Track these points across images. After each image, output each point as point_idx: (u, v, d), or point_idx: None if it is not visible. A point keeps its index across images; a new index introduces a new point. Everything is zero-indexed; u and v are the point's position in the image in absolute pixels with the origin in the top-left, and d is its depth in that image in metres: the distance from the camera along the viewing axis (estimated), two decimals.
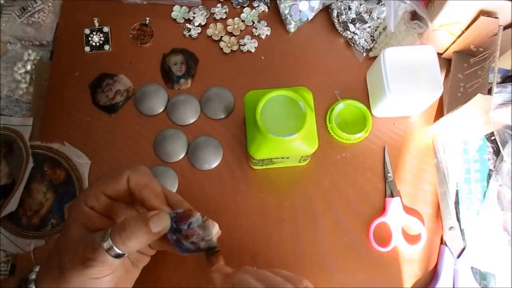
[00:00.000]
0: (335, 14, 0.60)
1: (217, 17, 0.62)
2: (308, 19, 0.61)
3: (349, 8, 0.60)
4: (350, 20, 0.60)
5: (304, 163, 0.56)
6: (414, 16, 0.59)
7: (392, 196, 0.55)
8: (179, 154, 0.57)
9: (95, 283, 0.36)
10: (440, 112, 0.59)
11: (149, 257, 0.44)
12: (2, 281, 0.44)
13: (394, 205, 0.54)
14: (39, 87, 0.60)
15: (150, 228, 0.35)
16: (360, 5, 0.59)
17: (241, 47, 0.61)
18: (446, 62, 0.60)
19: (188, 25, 0.62)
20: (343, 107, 0.58)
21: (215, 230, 0.38)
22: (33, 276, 0.38)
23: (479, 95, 0.48)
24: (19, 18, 0.62)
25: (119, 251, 0.35)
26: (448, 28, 0.55)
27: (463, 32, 0.55)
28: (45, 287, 0.37)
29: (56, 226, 0.54)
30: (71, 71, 0.60)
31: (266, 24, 0.62)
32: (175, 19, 0.62)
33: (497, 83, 0.56)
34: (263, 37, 0.62)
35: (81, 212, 0.38)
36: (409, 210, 0.55)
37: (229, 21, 0.62)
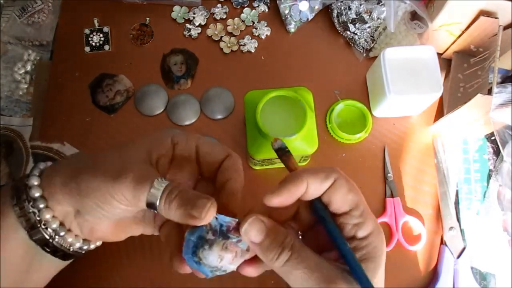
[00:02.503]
0: (335, 14, 0.60)
1: (217, 17, 0.62)
2: (308, 19, 0.61)
3: (349, 8, 0.60)
4: (350, 20, 0.60)
5: (304, 163, 0.56)
6: (414, 16, 0.59)
7: (392, 196, 0.55)
8: None
9: (110, 203, 0.33)
10: (440, 112, 0.59)
11: (142, 232, 0.40)
12: None
13: (394, 205, 0.54)
14: (39, 87, 0.60)
15: (194, 215, 0.31)
16: (360, 5, 0.59)
17: (241, 47, 0.61)
18: (446, 62, 0.60)
19: (188, 25, 0.62)
20: (343, 107, 0.58)
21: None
22: (35, 173, 0.36)
23: (479, 95, 0.48)
24: (19, 18, 0.62)
25: (155, 205, 0.32)
26: (448, 28, 0.55)
27: (463, 32, 0.55)
28: (59, 178, 0.34)
29: None
30: (71, 71, 0.60)
31: (266, 24, 0.62)
32: (175, 19, 0.62)
33: (497, 83, 0.56)
34: (263, 37, 0.62)
35: (163, 140, 0.36)
36: (409, 210, 0.55)
37: (229, 21, 0.62)
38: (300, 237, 0.36)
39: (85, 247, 0.38)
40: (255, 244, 0.31)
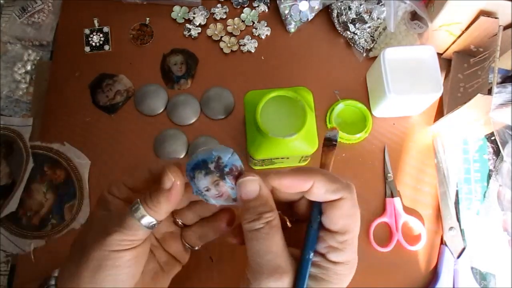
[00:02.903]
0: (335, 14, 0.60)
1: (217, 17, 0.62)
2: (308, 19, 0.61)
3: (349, 8, 0.60)
4: (350, 20, 0.60)
5: (304, 163, 0.56)
6: (414, 16, 0.59)
7: (392, 196, 0.55)
8: (179, 154, 0.57)
9: (115, 257, 0.34)
10: (440, 112, 0.59)
11: (181, 265, 0.42)
12: None
13: (394, 205, 0.54)
14: (39, 87, 0.60)
15: (161, 187, 0.34)
16: (360, 5, 0.59)
17: (241, 47, 0.61)
18: (446, 62, 0.60)
19: (188, 25, 0.62)
20: (343, 107, 0.58)
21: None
22: (53, 280, 0.37)
23: (479, 95, 0.48)
24: (19, 18, 0.62)
25: (150, 219, 0.34)
26: (448, 28, 0.55)
27: (463, 32, 0.55)
28: (65, 274, 0.36)
29: (56, 226, 0.54)
30: (71, 71, 0.60)
31: (266, 24, 0.62)
32: (175, 19, 0.62)
33: (497, 83, 0.56)
34: (263, 37, 0.62)
35: (103, 198, 0.38)
36: (409, 210, 0.55)
37: (229, 21, 0.62)
38: (289, 223, 0.37)
39: None
40: (241, 198, 0.33)
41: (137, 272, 0.36)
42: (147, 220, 0.34)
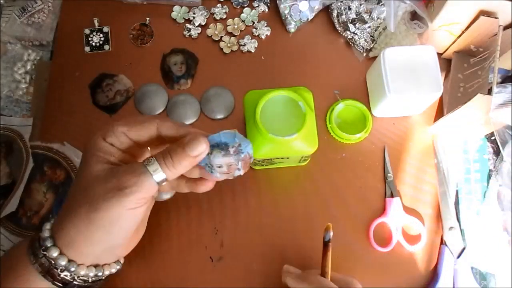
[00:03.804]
0: (335, 14, 0.60)
1: (217, 17, 0.62)
2: (308, 19, 0.61)
3: (349, 8, 0.60)
4: (350, 20, 0.60)
5: (304, 163, 0.56)
6: (414, 16, 0.59)
7: (392, 196, 0.55)
8: None
9: (131, 215, 0.35)
10: (440, 112, 0.59)
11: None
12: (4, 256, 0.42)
13: (394, 205, 0.54)
14: (39, 87, 0.60)
15: (187, 152, 0.36)
16: (360, 5, 0.59)
17: (241, 47, 0.61)
18: (446, 62, 0.60)
19: (188, 25, 0.62)
20: (343, 107, 0.58)
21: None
22: (47, 234, 0.37)
23: (479, 95, 0.48)
24: (19, 18, 0.62)
25: (163, 176, 0.35)
26: (448, 28, 0.55)
27: (463, 32, 0.55)
28: (71, 232, 0.36)
29: None
30: (71, 71, 0.60)
31: (266, 24, 0.62)
32: (175, 19, 0.62)
33: (497, 83, 0.56)
34: (263, 37, 0.62)
35: (101, 147, 0.37)
36: (409, 210, 0.55)
37: (229, 21, 0.62)
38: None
39: (100, 274, 0.39)
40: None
41: (141, 223, 0.38)
42: (160, 177, 0.35)
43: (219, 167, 0.38)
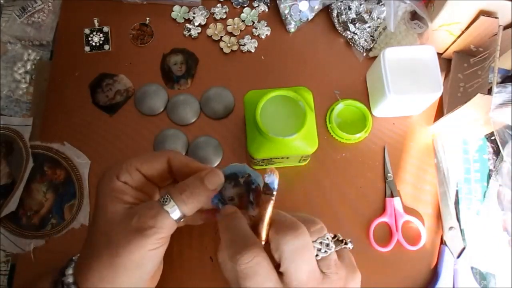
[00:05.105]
0: (335, 14, 0.60)
1: (217, 17, 0.62)
2: (308, 19, 0.61)
3: (349, 8, 0.60)
4: (350, 20, 0.60)
5: (304, 163, 0.56)
6: (414, 16, 0.59)
7: (392, 196, 0.55)
8: None
9: (153, 256, 0.35)
10: (440, 112, 0.59)
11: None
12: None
13: (394, 205, 0.55)
14: (39, 87, 0.60)
15: (206, 185, 0.36)
16: (360, 5, 0.59)
17: (241, 47, 0.61)
18: (446, 62, 0.60)
19: (188, 25, 0.62)
20: (343, 107, 0.58)
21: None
22: (70, 280, 0.36)
23: (479, 95, 0.48)
24: (19, 18, 0.62)
25: (180, 214, 0.35)
26: (448, 28, 0.55)
27: (463, 32, 0.55)
28: (95, 278, 0.35)
29: (56, 226, 0.54)
30: (71, 71, 0.60)
31: (266, 24, 0.62)
32: (175, 19, 0.62)
33: (497, 83, 0.56)
34: (263, 37, 0.62)
35: (115, 187, 0.37)
36: (409, 210, 0.55)
37: (229, 21, 0.62)
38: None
39: None
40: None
41: (162, 256, 0.37)
42: (177, 214, 0.35)
43: (231, 199, 0.38)
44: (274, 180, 0.36)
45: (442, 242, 0.54)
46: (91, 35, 0.61)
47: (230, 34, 0.62)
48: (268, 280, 0.32)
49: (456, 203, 0.56)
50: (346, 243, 0.37)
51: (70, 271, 0.37)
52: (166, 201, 0.35)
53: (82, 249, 0.38)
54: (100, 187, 0.37)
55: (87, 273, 0.36)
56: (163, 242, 0.35)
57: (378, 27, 0.60)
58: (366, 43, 0.60)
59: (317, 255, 0.34)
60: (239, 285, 0.33)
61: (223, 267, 0.36)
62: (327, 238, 0.35)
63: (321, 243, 0.34)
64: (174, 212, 0.35)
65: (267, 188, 0.35)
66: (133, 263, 0.34)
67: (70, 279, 0.36)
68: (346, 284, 0.35)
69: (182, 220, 0.36)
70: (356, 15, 0.60)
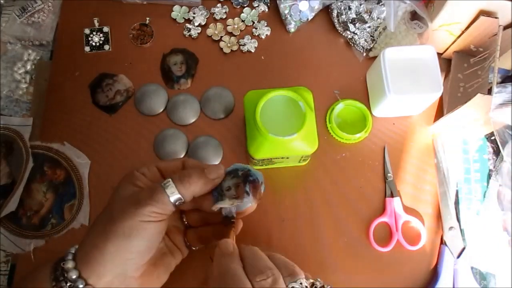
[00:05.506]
0: (335, 14, 0.60)
1: (217, 17, 0.62)
2: (308, 19, 0.61)
3: (349, 8, 0.60)
4: (350, 20, 0.60)
5: (304, 163, 0.56)
6: (414, 16, 0.59)
7: (392, 196, 0.55)
8: (179, 154, 0.57)
9: (143, 227, 0.37)
10: (440, 112, 0.59)
11: (181, 257, 0.45)
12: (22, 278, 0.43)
13: (394, 205, 0.55)
14: (39, 87, 0.60)
15: (207, 175, 0.39)
16: (360, 5, 0.59)
17: (241, 47, 0.61)
18: (446, 62, 0.60)
19: (188, 25, 0.62)
20: (343, 107, 0.58)
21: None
22: (72, 251, 0.39)
23: (479, 95, 0.48)
24: (19, 18, 0.62)
25: (178, 195, 0.38)
26: (448, 28, 0.55)
27: (463, 32, 0.55)
28: (87, 246, 0.38)
29: (56, 226, 0.54)
30: (71, 71, 0.60)
31: (266, 24, 0.62)
32: (175, 19, 0.62)
33: (497, 83, 0.56)
34: (263, 37, 0.62)
35: (132, 174, 0.41)
36: (409, 210, 0.55)
37: (229, 21, 0.62)
38: None
39: None
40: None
41: (154, 246, 0.39)
42: (176, 197, 0.38)
43: (228, 190, 0.40)
44: (231, 210, 0.41)
45: (442, 242, 0.54)
46: (91, 35, 0.61)
47: (230, 34, 0.62)
48: None
49: (456, 203, 0.56)
50: None
51: (72, 250, 0.40)
52: (166, 183, 0.38)
53: (86, 232, 0.40)
54: (121, 179, 0.41)
55: (83, 242, 0.39)
56: (155, 217, 0.37)
57: (378, 27, 0.60)
58: (366, 43, 0.60)
59: None
60: None
61: None
62: (301, 284, 0.36)
63: None
64: (172, 193, 0.37)
65: (227, 219, 0.41)
66: (124, 231, 0.36)
67: (69, 257, 0.39)
68: None
69: (181, 203, 0.38)
70: (356, 15, 0.60)
